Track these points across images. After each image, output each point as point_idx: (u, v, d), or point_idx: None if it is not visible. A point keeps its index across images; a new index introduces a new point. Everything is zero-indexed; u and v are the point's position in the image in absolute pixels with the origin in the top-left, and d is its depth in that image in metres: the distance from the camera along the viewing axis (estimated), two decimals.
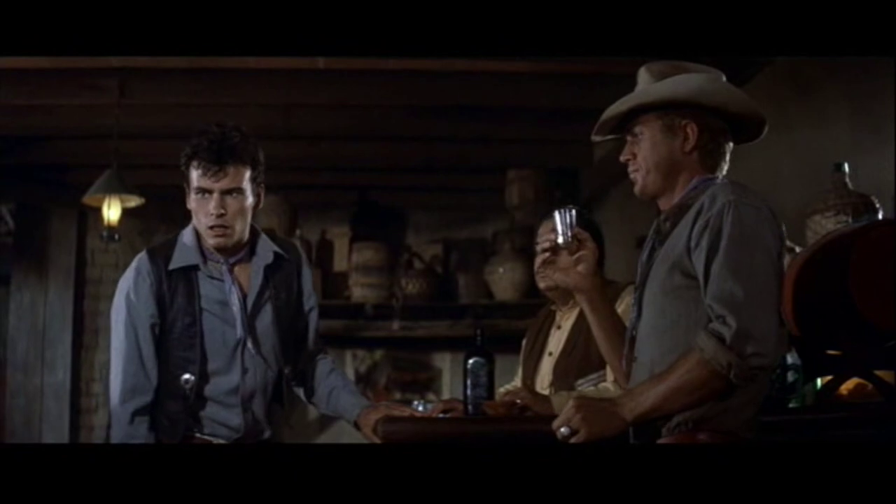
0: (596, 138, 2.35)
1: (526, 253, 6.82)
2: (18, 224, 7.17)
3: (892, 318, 2.31)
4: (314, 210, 7.33)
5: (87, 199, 5.32)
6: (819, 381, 2.55)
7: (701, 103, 2.14)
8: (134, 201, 5.36)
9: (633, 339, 2.23)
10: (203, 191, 2.59)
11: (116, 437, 2.63)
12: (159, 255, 2.66)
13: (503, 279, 6.91)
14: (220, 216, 2.58)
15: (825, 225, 2.93)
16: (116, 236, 5.41)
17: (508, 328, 6.10)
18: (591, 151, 6.35)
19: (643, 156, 2.19)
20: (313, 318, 2.86)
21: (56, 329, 7.12)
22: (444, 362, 7.41)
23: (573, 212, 2.30)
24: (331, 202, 6.86)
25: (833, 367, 2.46)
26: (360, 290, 6.98)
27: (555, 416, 2.06)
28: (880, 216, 2.91)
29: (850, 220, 2.90)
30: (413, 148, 6.43)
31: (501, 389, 2.96)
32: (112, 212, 5.31)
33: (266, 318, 2.71)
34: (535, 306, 4.94)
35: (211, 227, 2.60)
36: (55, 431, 6.97)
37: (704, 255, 2.02)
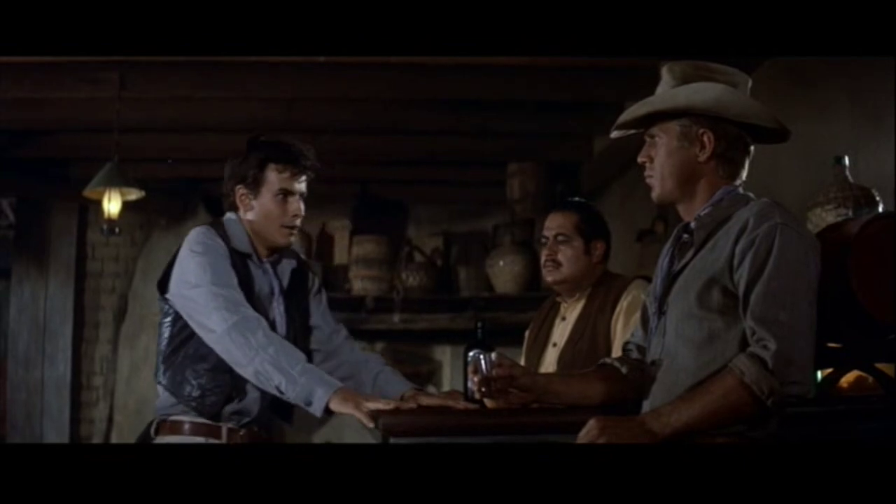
0: (614, 135, 2.34)
1: (526, 246, 6.82)
2: (19, 218, 7.17)
3: (892, 311, 2.31)
4: (315, 203, 7.29)
5: (88, 193, 5.32)
6: (819, 374, 2.55)
7: (717, 114, 2.11)
8: (134, 195, 5.36)
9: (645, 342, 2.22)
10: (287, 192, 2.73)
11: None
12: (219, 233, 2.71)
13: (504, 272, 6.91)
14: (299, 217, 2.75)
15: (826, 218, 2.92)
16: (117, 230, 5.42)
17: (509, 321, 6.10)
18: (591, 145, 6.34)
19: (659, 162, 2.17)
20: (323, 304, 2.93)
21: (57, 322, 7.12)
22: (445, 355, 7.41)
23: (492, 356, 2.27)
24: (331, 195, 6.85)
25: (833, 359, 2.46)
26: (360, 283, 6.98)
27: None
28: (881, 209, 2.91)
29: (850, 212, 2.89)
30: (414, 141, 6.43)
31: None
32: (112, 205, 5.32)
33: (284, 311, 2.78)
34: (535, 299, 4.95)
35: (287, 227, 2.74)
36: (56, 425, 6.99)
37: (747, 275, 2.00)
